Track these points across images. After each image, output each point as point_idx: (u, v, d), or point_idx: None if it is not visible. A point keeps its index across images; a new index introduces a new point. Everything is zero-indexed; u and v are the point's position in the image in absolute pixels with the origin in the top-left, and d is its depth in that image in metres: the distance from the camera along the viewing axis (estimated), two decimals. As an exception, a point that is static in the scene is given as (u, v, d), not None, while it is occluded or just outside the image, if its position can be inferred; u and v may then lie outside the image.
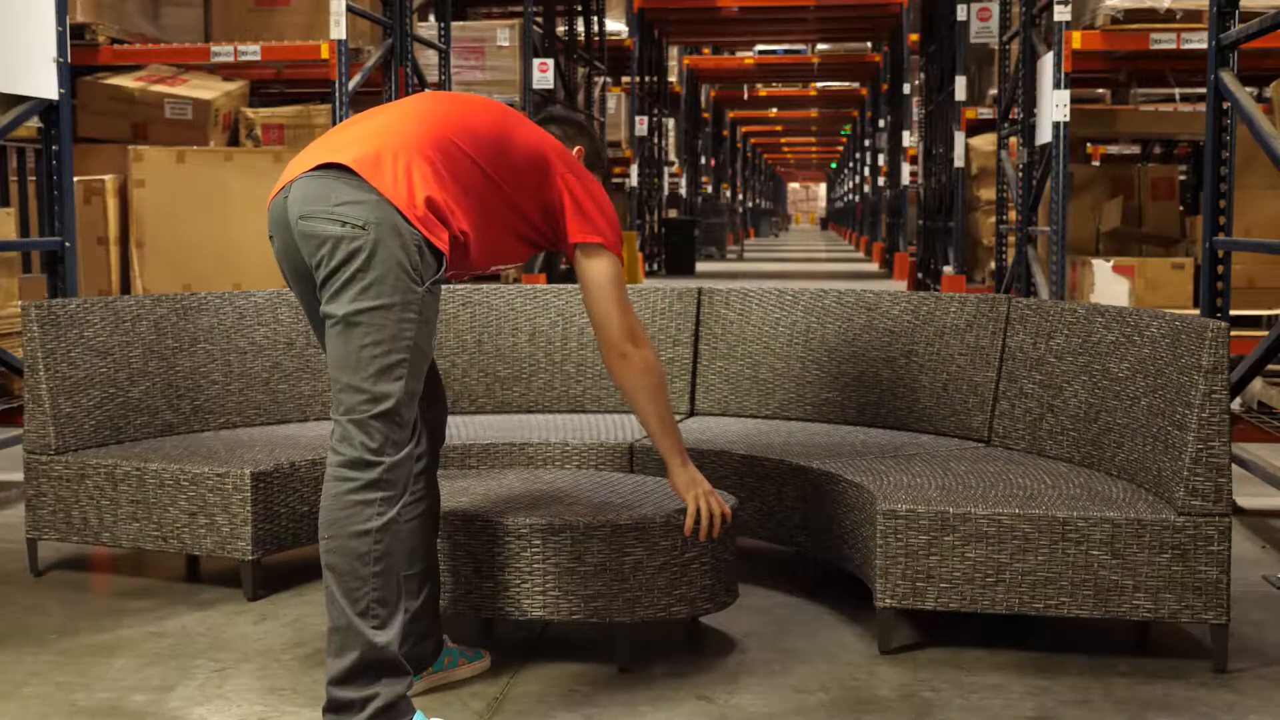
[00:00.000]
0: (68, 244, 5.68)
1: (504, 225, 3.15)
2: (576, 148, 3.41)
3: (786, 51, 28.91)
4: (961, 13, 13.52)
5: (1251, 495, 5.32)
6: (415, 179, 2.93)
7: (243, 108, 8.95)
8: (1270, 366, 5.59)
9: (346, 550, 2.87)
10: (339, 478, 2.90)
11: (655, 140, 23.70)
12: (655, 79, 23.23)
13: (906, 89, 21.86)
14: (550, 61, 13.50)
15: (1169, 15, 7.86)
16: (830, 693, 3.35)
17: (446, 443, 4.47)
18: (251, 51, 8.21)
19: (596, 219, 3.19)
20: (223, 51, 8.29)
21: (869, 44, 29.01)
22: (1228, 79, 5.31)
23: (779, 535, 4.20)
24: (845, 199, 56.46)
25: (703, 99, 34.10)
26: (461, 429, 4.66)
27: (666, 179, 26.59)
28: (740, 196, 49.92)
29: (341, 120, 7.70)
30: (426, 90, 2.93)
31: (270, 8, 8.81)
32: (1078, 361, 3.98)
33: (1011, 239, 10.24)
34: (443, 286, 4.66)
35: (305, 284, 3.04)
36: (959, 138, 13.49)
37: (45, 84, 5.51)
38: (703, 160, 34.87)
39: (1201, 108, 7.65)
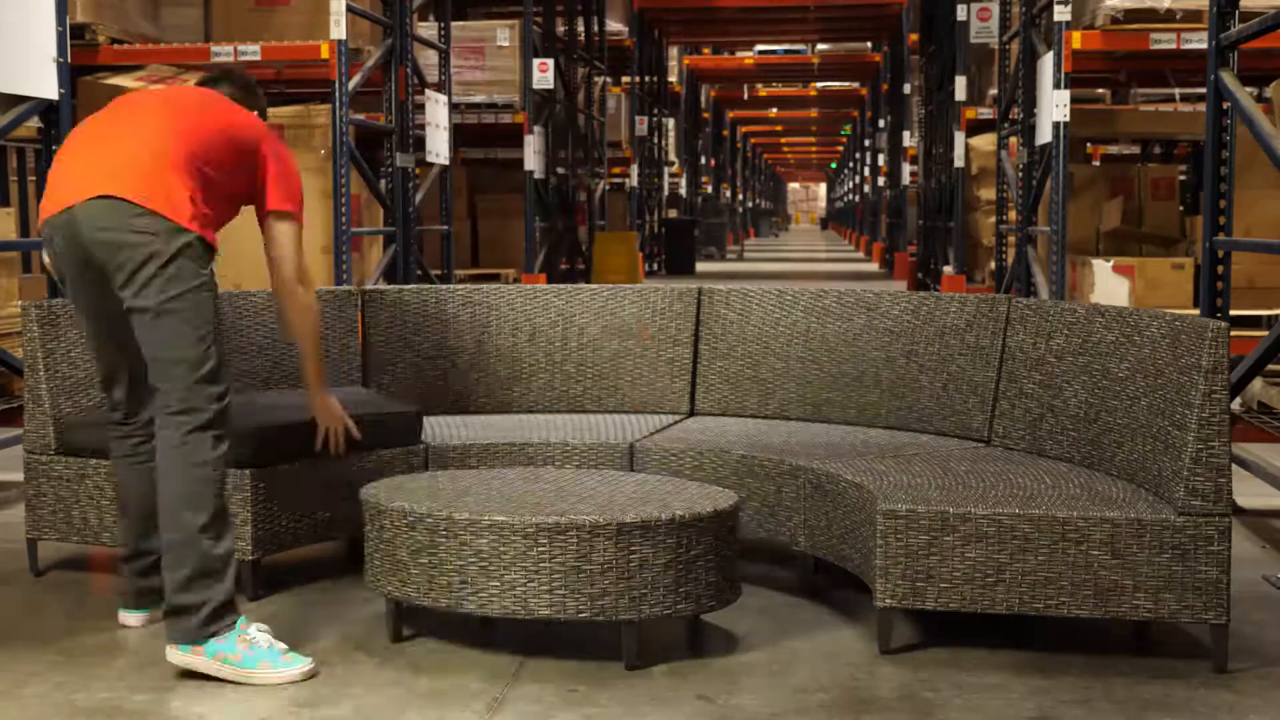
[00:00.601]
0: (68, 244, 5.67)
1: (229, 199, 3.75)
2: (230, 90, 3.92)
3: (786, 51, 28.91)
4: (961, 13, 13.52)
5: (1251, 495, 5.32)
6: (178, 194, 3.50)
7: (243, 108, 8.93)
8: (1270, 366, 5.58)
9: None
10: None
11: (655, 140, 23.70)
12: (655, 79, 23.22)
13: (906, 89, 21.87)
14: (550, 61, 13.49)
15: (1169, 15, 7.85)
16: (830, 693, 3.35)
17: (446, 443, 4.50)
18: (251, 51, 8.20)
19: (292, 190, 3.81)
20: (223, 51, 8.29)
21: (869, 44, 29.02)
22: (1228, 79, 5.31)
23: (779, 535, 4.20)
24: (845, 199, 56.46)
25: (703, 99, 34.09)
26: (461, 429, 4.67)
27: (666, 179, 26.59)
28: (740, 196, 49.92)
29: (344, 118, 7.70)
30: (144, 92, 3.57)
31: (270, 8, 8.80)
32: (1078, 361, 3.98)
33: (1011, 239, 10.23)
34: (439, 287, 4.99)
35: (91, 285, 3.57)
36: (959, 138, 13.49)
37: (45, 84, 5.51)
38: (703, 160, 34.87)
39: (1201, 108, 7.64)
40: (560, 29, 15.40)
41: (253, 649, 3.41)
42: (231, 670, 3.39)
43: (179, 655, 3.43)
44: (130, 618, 3.86)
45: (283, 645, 3.46)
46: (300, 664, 3.43)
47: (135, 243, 3.43)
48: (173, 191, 3.49)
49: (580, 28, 16.90)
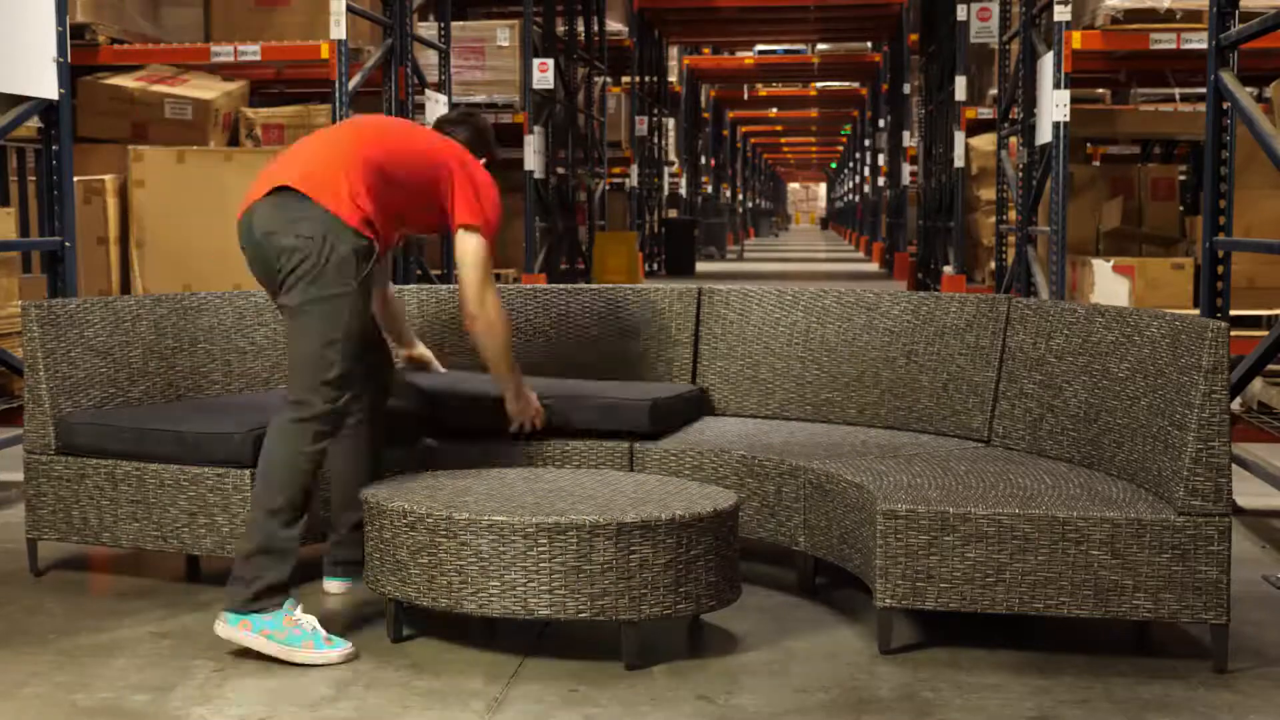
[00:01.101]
0: (68, 244, 5.68)
1: (400, 217, 3.92)
2: (463, 136, 4.16)
3: (786, 51, 28.92)
4: (961, 13, 13.52)
5: (1251, 495, 5.32)
6: (349, 192, 3.70)
7: (243, 108, 8.95)
8: (1270, 366, 5.58)
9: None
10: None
11: (655, 140, 23.69)
12: (655, 79, 23.22)
13: (906, 89, 21.86)
14: (550, 61, 13.50)
15: (1169, 15, 7.86)
16: (830, 693, 3.35)
17: (446, 443, 4.49)
18: (251, 51, 8.20)
19: (477, 205, 3.95)
20: (223, 51, 8.29)
21: (869, 44, 29.01)
22: (1228, 79, 5.30)
23: (779, 535, 4.20)
24: (845, 199, 56.44)
25: (703, 99, 34.09)
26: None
27: (666, 179, 26.58)
28: (740, 196, 49.92)
29: (342, 119, 7.70)
30: (356, 116, 4.06)
31: (270, 8, 8.80)
32: (1078, 361, 3.98)
33: (1011, 239, 10.23)
34: (439, 287, 5.10)
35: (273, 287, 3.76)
36: (959, 138, 13.49)
37: (45, 84, 5.51)
38: (703, 160, 34.86)
39: (1201, 108, 7.65)
40: (560, 29, 15.40)
41: (298, 628, 3.54)
42: (275, 647, 3.52)
43: (225, 628, 3.56)
44: (332, 585, 4.14)
45: (325, 632, 3.58)
46: (340, 647, 3.55)
47: (292, 247, 3.63)
48: (340, 188, 3.68)
49: (580, 28, 16.90)
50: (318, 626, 3.57)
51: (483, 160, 4.11)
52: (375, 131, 3.96)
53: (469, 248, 3.95)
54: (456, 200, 3.93)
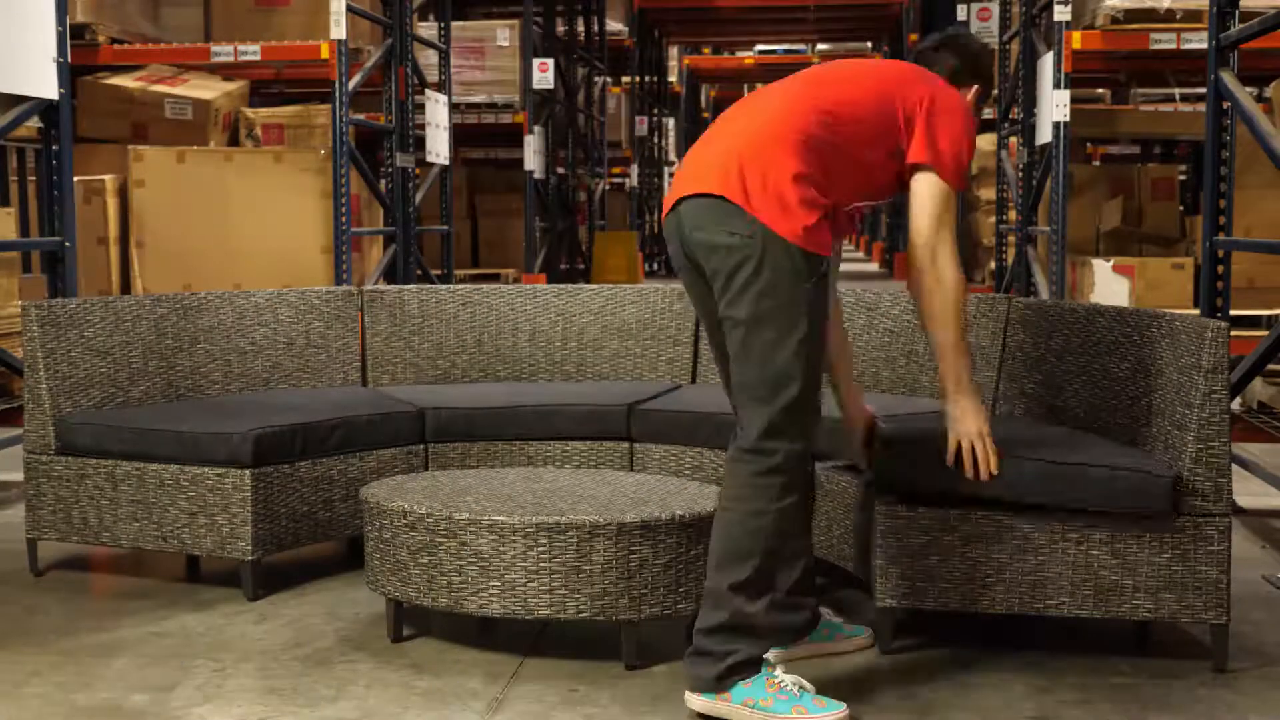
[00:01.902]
0: (68, 244, 5.68)
1: (855, 187, 3.31)
2: (948, 64, 3.51)
3: (786, 51, 28.92)
4: (961, 13, 13.51)
5: (1251, 495, 5.32)
6: (787, 193, 3.11)
7: (243, 108, 8.95)
8: (1270, 366, 5.58)
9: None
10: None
11: (655, 140, 23.68)
12: (655, 79, 23.21)
13: (906, 89, 21.84)
14: (550, 61, 13.49)
15: (1169, 15, 7.85)
16: (830, 693, 3.35)
17: (446, 442, 4.49)
18: (251, 51, 8.20)
19: (941, 145, 3.26)
20: (223, 51, 8.29)
21: (869, 44, 29.01)
22: (1228, 79, 5.30)
23: (779, 535, 4.19)
24: (845, 199, 56.35)
25: (703, 99, 34.09)
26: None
27: (667, 179, 26.58)
28: (740, 196, 49.83)
29: (344, 118, 7.70)
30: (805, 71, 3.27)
31: (270, 8, 8.80)
32: (1078, 361, 3.98)
33: (1011, 239, 10.23)
34: (439, 287, 5.00)
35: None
36: (959, 138, 13.46)
37: (45, 84, 5.51)
38: (703, 160, 34.77)
39: (1201, 108, 7.64)
40: (560, 29, 15.39)
41: (783, 691, 3.15)
42: (762, 715, 3.12)
43: (699, 701, 3.19)
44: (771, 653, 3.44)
45: (812, 689, 3.19)
46: (836, 710, 3.14)
47: (727, 245, 3.12)
48: (769, 181, 3.11)
49: (580, 28, 16.90)
50: (804, 685, 3.18)
51: (972, 89, 3.53)
52: (820, 88, 3.31)
53: (919, 190, 3.27)
54: (916, 137, 3.27)
